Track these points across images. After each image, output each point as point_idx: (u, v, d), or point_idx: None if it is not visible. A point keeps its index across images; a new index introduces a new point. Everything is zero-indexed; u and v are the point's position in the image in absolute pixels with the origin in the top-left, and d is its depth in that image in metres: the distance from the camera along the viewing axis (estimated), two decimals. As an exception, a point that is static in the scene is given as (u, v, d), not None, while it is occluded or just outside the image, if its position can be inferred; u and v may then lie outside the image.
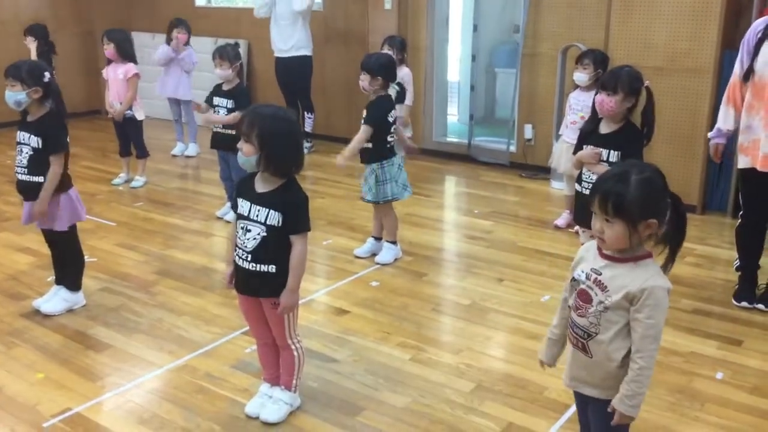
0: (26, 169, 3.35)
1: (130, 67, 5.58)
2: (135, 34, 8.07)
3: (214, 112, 4.69)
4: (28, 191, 3.39)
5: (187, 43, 6.55)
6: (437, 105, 6.71)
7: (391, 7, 6.50)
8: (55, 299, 3.57)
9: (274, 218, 2.44)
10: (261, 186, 2.49)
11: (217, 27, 7.83)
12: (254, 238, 2.47)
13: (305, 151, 6.65)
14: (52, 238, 3.55)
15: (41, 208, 3.33)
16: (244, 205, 2.50)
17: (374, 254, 4.29)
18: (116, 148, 5.97)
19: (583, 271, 1.95)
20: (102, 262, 4.20)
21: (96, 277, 3.98)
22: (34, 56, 6.06)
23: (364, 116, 4.00)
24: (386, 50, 5.18)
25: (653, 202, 1.84)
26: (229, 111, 4.61)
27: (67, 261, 3.61)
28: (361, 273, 4.09)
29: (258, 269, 2.49)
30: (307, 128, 6.88)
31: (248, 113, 2.48)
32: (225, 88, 4.71)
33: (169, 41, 6.49)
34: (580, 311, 1.95)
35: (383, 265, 4.18)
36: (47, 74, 3.32)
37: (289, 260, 2.49)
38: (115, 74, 5.62)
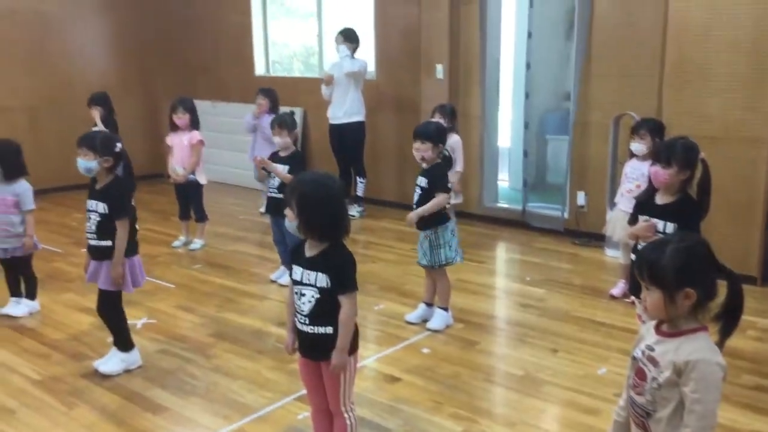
0: (95, 235, 3.51)
1: (195, 134, 5.83)
2: (196, 102, 8.44)
3: (271, 178, 4.84)
4: (98, 254, 3.54)
5: (270, 111, 6.61)
6: (488, 171, 6.77)
7: (443, 77, 6.66)
8: (112, 360, 3.67)
9: (323, 280, 2.51)
10: (309, 250, 2.57)
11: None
12: (309, 302, 2.53)
13: (357, 215, 6.81)
14: (99, 296, 3.65)
15: (117, 272, 3.47)
16: (297, 270, 2.58)
17: (425, 320, 4.29)
18: (176, 211, 6.17)
19: (640, 349, 1.94)
20: (161, 324, 4.31)
21: (155, 338, 4.08)
22: (98, 123, 6.37)
23: (426, 184, 4.04)
24: (436, 118, 5.29)
25: (690, 271, 1.83)
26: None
27: (111, 321, 3.70)
28: (413, 339, 4.09)
29: (315, 332, 2.55)
30: (359, 193, 7.00)
31: (292, 180, 2.59)
32: (282, 154, 4.87)
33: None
34: (637, 389, 1.93)
35: (434, 331, 4.17)
36: (119, 145, 3.51)
37: None
38: (180, 140, 5.87)
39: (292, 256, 2.65)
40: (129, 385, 3.54)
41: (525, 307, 4.61)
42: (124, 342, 3.70)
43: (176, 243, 6.08)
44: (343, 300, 2.52)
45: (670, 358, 1.85)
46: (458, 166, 5.43)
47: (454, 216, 4.42)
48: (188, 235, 6.11)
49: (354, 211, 6.78)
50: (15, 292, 4.52)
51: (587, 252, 5.81)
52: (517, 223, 6.54)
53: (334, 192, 2.59)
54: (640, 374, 1.92)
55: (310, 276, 2.53)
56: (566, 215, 6.22)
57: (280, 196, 4.71)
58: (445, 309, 4.27)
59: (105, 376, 3.60)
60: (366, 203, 7.14)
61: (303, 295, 2.55)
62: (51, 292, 4.84)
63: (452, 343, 4.04)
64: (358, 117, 6.87)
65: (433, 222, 4.09)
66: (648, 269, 1.83)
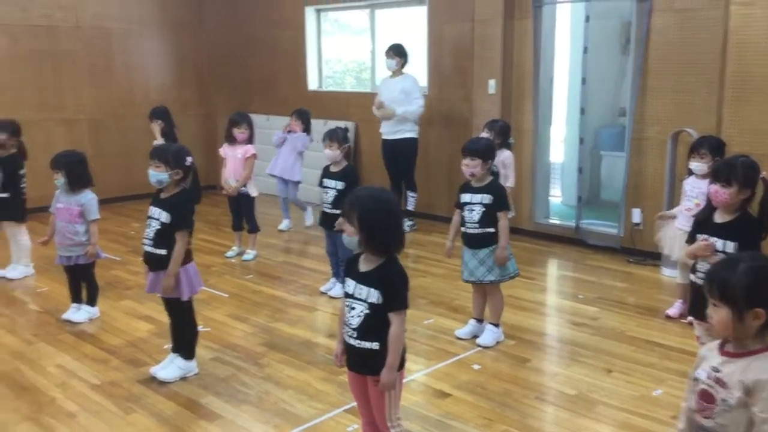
0: (152, 242, 3.61)
1: (248, 148, 5.95)
2: (251, 116, 8.63)
3: (324, 193, 4.89)
4: (153, 262, 3.64)
5: (304, 132, 6.92)
6: (540, 187, 6.71)
7: (495, 92, 6.65)
8: (170, 367, 3.75)
9: (374, 296, 2.52)
10: (364, 265, 2.58)
11: (327, 110, 8.24)
12: (358, 316, 2.55)
13: (407, 229, 6.82)
14: (170, 307, 3.76)
15: (169, 282, 3.57)
16: (349, 284, 2.60)
17: (475, 336, 4.27)
18: (230, 223, 6.30)
19: (704, 371, 1.90)
20: (215, 332, 4.39)
21: (208, 346, 4.16)
22: (158, 136, 6.56)
23: (490, 200, 4.00)
24: (485, 134, 5.28)
25: (762, 291, 1.82)
26: (339, 192, 4.79)
27: (183, 330, 3.80)
28: (463, 355, 4.07)
29: (362, 346, 2.56)
30: (410, 207, 7.02)
31: (349, 196, 2.61)
32: (333, 169, 4.90)
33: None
34: (705, 413, 1.88)
35: (485, 347, 4.14)
36: (190, 159, 3.60)
37: None
38: (234, 153, 6.00)
39: (346, 269, 2.68)
40: (184, 391, 3.62)
41: (578, 325, 4.54)
42: (188, 350, 3.78)
43: (229, 253, 6.20)
44: (393, 317, 2.53)
45: (738, 377, 1.82)
46: (510, 182, 5.40)
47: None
48: (241, 245, 6.22)
49: (405, 225, 6.80)
50: (76, 299, 4.67)
51: (643, 270, 5.69)
52: (569, 240, 6.45)
53: (393, 207, 2.62)
54: (707, 397, 1.88)
55: (363, 291, 2.54)
56: (621, 232, 6.11)
57: (335, 211, 4.74)
58: (497, 325, 4.24)
59: (161, 383, 3.69)
60: (416, 217, 7.16)
61: (353, 308, 2.57)
62: (110, 299, 4.98)
63: (503, 359, 4.01)
64: (411, 133, 6.89)
65: (495, 238, 4.06)
66: (719, 287, 1.83)
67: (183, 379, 3.74)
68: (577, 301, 5.02)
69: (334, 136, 4.87)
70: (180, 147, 3.76)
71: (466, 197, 4.12)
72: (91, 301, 4.70)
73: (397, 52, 6.79)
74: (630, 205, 6.02)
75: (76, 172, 4.46)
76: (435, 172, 7.33)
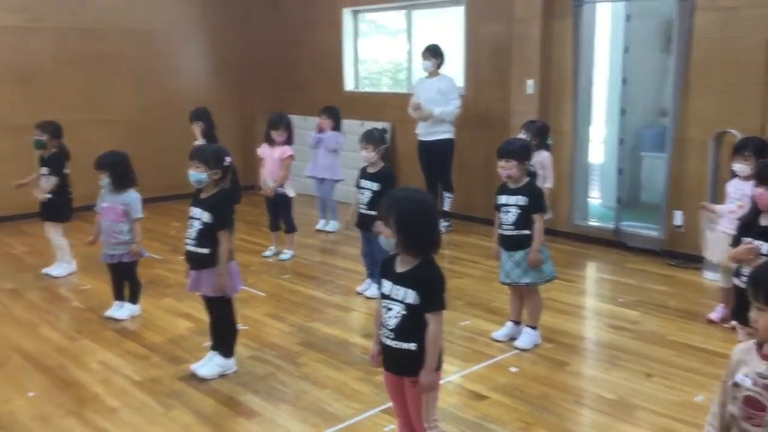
0: (195, 241, 3.66)
1: (286, 149, 6.01)
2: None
3: (360, 194, 4.90)
4: (195, 261, 3.70)
5: (334, 130, 6.97)
6: (579, 188, 6.63)
7: (533, 92, 6.60)
8: (210, 364, 3.81)
9: (411, 297, 2.52)
10: (400, 266, 2.59)
11: (364, 110, 8.27)
12: (395, 317, 2.55)
13: (443, 230, 6.80)
14: (212, 306, 3.82)
15: (221, 281, 3.62)
16: (386, 285, 2.61)
17: (512, 338, 4.24)
18: (267, 222, 6.36)
19: (746, 376, 1.85)
20: (252, 331, 4.44)
21: (247, 344, 4.20)
22: (199, 136, 6.64)
23: (526, 202, 3.96)
24: (522, 135, 5.25)
25: None
26: (375, 193, 4.80)
27: (223, 328, 3.85)
28: (499, 357, 4.04)
29: (399, 347, 2.57)
30: (446, 208, 7.00)
31: (386, 198, 2.61)
32: (370, 170, 4.90)
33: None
34: (754, 420, 1.84)
35: (522, 350, 4.11)
36: (228, 159, 3.66)
37: None
38: (272, 154, 6.06)
39: (382, 269, 2.68)
40: (223, 389, 3.67)
41: (617, 329, 4.48)
42: (228, 348, 3.83)
43: (267, 253, 6.25)
44: (430, 318, 2.53)
45: None
46: (548, 183, 5.35)
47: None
48: (277, 245, 6.28)
49: (441, 226, 6.79)
50: (119, 296, 4.77)
51: (684, 274, 5.58)
52: (608, 242, 6.36)
53: (430, 208, 2.63)
54: (755, 404, 1.83)
55: (399, 291, 2.55)
56: (662, 235, 6.00)
57: (371, 212, 4.75)
58: (534, 328, 4.20)
59: (201, 380, 3.74)
60: (453, 218, 7.14)
61: (390, 309, 2.57)
62: (151, 296, 5.07)
63: (541, 362, 3.97)
64: (447, 134, 6.88)
65: (531, 240, 4.01)
66: (764, 290, 1.79)
67: (222, 376, 3.79)
68: (617, 304, 4.94)
69: (371, 138, 4.87)
70: (218, 147, 3.81)
71: (502, 199, 4.09)
72: (134, 299, 4.79)
73: (434, 53, 6.78)
74: (671, 207, 5.92)
75: (120, 172, 4.55)
76: (471, 172, 7.30)
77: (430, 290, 2.53)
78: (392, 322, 2.56)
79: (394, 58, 8.78)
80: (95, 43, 8.08)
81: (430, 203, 2.66)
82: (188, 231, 3.70)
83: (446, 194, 7.01)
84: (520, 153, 4.01)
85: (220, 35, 9.11)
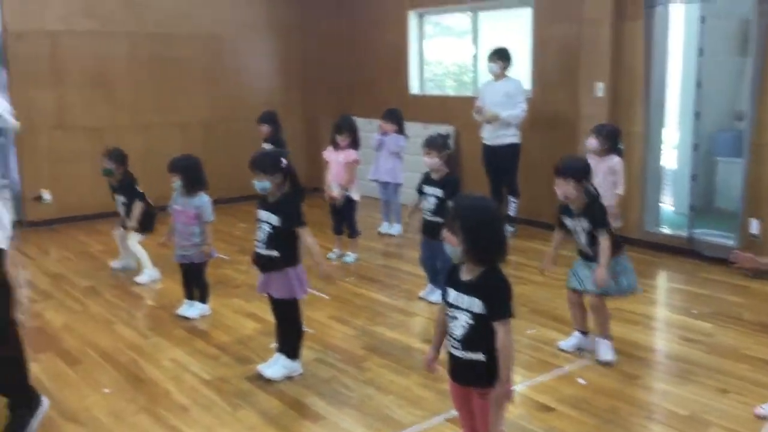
0: (264, 244, 3.73)
1: (350, 153, 6.05)
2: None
3: (425, 200, 4.89)
4: (265, 264, 3.77)
5: (398, 132, 6.98)
6: (650, 194, 6.45)
7: (603, 95, 6.44)
8: (276, 366, 3.86)
9: (478, 305, 2.49)
10: (465, 274, 2.56)
11: (428, 113, 8.26)
12: (462, 326, 2.53)
13: (508, 235, 6.71)
14: (279, 308, 3.87)
15: (326, 271, 3.79)
16: (451, 293, 2.58)
17: (580, 348, 4.15)
18: (332, 224, 6.40)
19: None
20: (317, 334, 4.49)
21: (311, 347, 4.25)
22: (263, 136, 6.85)
23: (589, 225, 3.88)
24: (592, 139, 5.13)
25: None
26: (439, 199, 4.78)
27: (289, 330, 3.91)
28: (567, 368, 3.97)
29: (466, 357, 2.54)
30: (511, 212, 6.92)
31: (452, 205, 2.60)
32: (434, 176, 4.88)
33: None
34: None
35: (606, 363, 3.98)
36: (284, 160, 3.71)
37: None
38: (337, 157, 6.11)
39: (447, 278, 2.66)
40: (289, 391, 3.72)
41: (690, 341, 4.33)
42: (293, 350, 3.88)
43: (330, 255, 6.29)
44: (498, 327, 2.49)
45: None
46: (619, 189, 5.21)
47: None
48: (341, 248, 6.32)
49: (506, 231, 6.69)
50: (189, 295, 4.89)
51: (761, 285, 5.35)
52: (681, 251, 6.16)
53: (496, 216, 2.59)
54: None
55: (465, 300, 2.52)
56: (738, 244, 5.77)
57: (436, 219, 4.73)
58: (608, 338, 4.09)
59: (267, 381, 3.80)
60: (517, 223, 7.04)
61: (456, 318, 2.55)
62: (220, 296, 5.19)
63: (610, 375, 3.87)
64: (513, 139, 6.80)
65: (613, 249, 3.91)
66: None
67: (288, 378, 3.84)
68: (690, 315, 4.78)
69: (433, 144, 4.85)
70: (273, 152, 3.90)
71: (567, 222, 4.02)
72: (203, 299, 4.91)
73: (501, 56, 6.70)
74: (747, 214, 5.69)
75: (192, 176, 4.68)
76: (538, 177, 7.16)
77: (497, 299, 2.50)
78: (459, 332, 2.54)
79: (459, 60, 8.73)
80: (165, 47, 8.32)
81: (496, 210, 2.63)
82: (257, 234, 3.76)
83: (512, 199, 6.92)
84: (575, 172, 3.84)
85: (285, 37, 9.25)
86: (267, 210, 3.75)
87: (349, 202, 6.17)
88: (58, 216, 7.74)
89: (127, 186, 5.72)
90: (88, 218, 7.72)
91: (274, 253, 3.71)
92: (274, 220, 3.69)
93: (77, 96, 7.84)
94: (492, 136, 6.84)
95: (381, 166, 7.08)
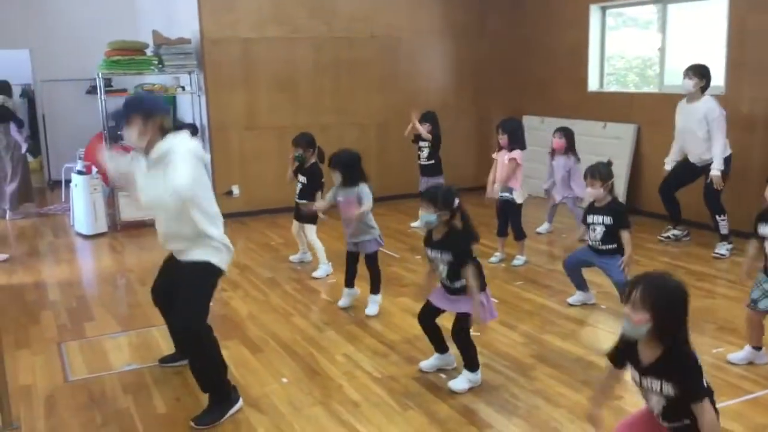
0: (448, 279, 3.76)
1: (513, 153, 5.92)
2: (526, 118, 8.58)
3: (592, 230, 4.75)
4: (450, 293, 3.81)
5: (567, 151, 6.67)
6: None
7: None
8: (461, 379, 3.80)
9: (669, 389, 2.44)
10: (646, 355, 2.51)
11: (608, 111, 7.89)
12: (657, 406, 2.52)
13: (726, 253, 6.08)
14: (458, 323, 3.81)
15: (476, 309, 3.69)
16: (635, 374, 2.56)
17: (750, 363, 3.91)
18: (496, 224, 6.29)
19: None
20: (484, 338, 4.45)
21: (480, 352, 4.18)
22: (424, 134, 7.12)
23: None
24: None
25: None
26: (607, 227, 4.65)
27: (461, 346, 3.85)
28: (758, 393, 3.62)
29: (673, 426, 2.53)
30: (723, 231, 6.17)
31: (641, 282, 2.48)
32: (598, 204, 4.77)
33: None
34: None
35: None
36: (457, 201, 3.70)
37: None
38: (502, 158, 6.03)
39: (628, 356, 2.60)
40: (457, 396, 3.72)
41: None
42: (471, 362, 3.84)
43: (492, 259, 6.17)
44: (698, 409, 2.42)
45: None
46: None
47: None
48: (504, 251, 6.20)
49: (723, 249, 6.16)
50: (349, 283, 5.05)
51: None
52: None
53: (686, 297, 2.48)
54: None
55: (654, 383, 2.48)
56: None
57: (606, 247, 4.70)
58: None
59: (435, 384, 3.84)
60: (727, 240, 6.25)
61: (650, 400, 2.56)
62: (389, 294, 5.31)
63: (810, 406, 3.49)
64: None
65: None
66: None
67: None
68: None
69: (596, 174, 4.71)
70: (448, 189, 3.78)
71: (764, 231, 3.73)
72: (375, 290, 5.02)
73: (697, 72, 6.02)
74: None
75: (350, 171, 4.81)
76: (741, 183, 6.38)
77: (688, 381, 2.44)
78: (657, 410, 2.54)
79: (642, 53, 8.23)
80: (345, 51, 8.65)
81: (685, 291, 2.51)
82: (437, 268, 3.80)
83: (719, 218, 6.17)
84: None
85: (459, 39, 9.25)
86: (434, 248, 3.76)
87: (513, 205, 6.03)
88: (245, 209, 8.33)
89: (313, 172, 5.89)
90: (271, 212, 8.25)
91: (456, 285, 3.76)
92: (447, 257, 3.70)
93: (265, 98, 8.38)
94: (699, 154, 6.19)
95: (557, 183, 6.82)
